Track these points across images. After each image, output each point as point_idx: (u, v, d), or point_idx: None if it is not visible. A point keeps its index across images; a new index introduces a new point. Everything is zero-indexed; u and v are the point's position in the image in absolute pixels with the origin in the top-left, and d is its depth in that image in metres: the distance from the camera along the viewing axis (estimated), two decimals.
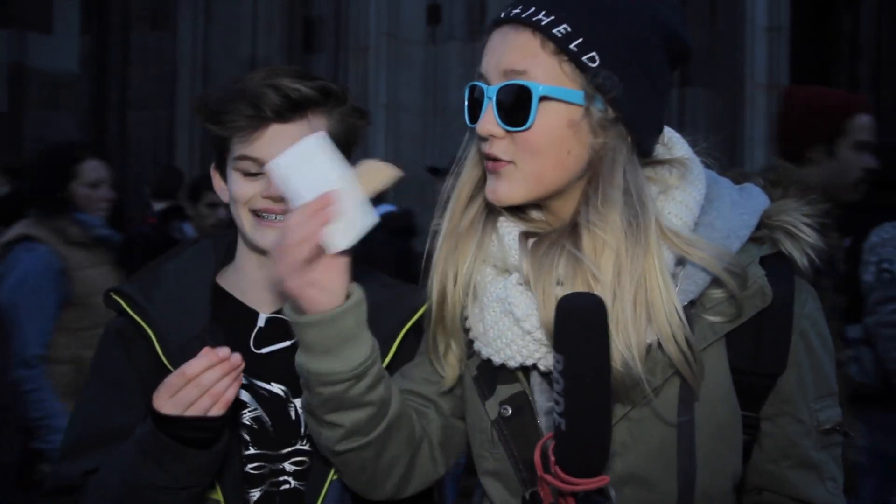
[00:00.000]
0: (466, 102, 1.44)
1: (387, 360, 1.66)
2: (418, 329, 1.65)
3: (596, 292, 1.27)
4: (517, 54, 1.35)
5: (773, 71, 10.16)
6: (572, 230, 1.37)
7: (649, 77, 1.37)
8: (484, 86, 1.38)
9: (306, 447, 1.69)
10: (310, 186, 1.34)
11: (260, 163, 1.64)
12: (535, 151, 1.36)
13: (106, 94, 10.45)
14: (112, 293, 1.72)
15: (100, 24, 10.44)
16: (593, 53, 1.32)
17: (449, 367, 1.52)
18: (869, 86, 14.80)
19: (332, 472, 1.63)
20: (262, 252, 1.69)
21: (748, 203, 1.44)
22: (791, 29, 10.37)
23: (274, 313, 1.74)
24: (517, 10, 1.36)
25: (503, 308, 1.40)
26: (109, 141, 10.42)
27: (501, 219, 1.47)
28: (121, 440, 1.58)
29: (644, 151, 1.40)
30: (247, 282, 1.77)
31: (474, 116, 1.41)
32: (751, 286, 1.36)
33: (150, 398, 1.55)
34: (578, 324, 1.14)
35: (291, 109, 1.64)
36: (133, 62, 10.46)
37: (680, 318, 1.31)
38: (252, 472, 1.67)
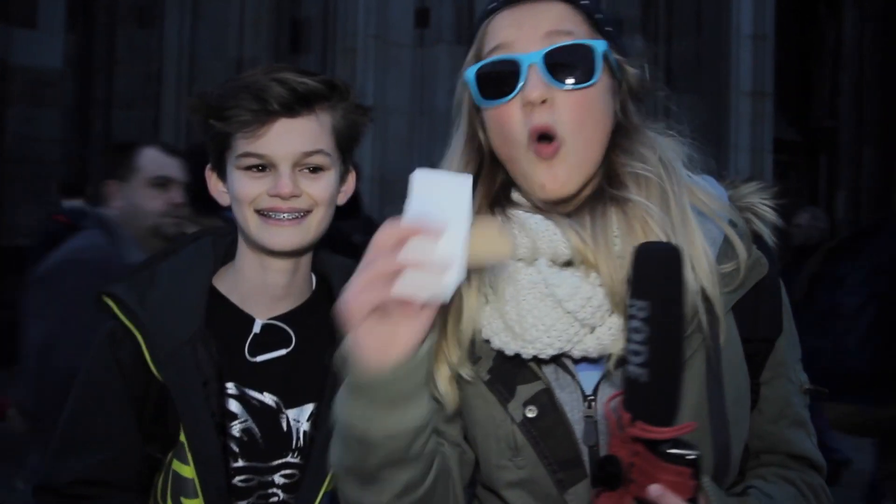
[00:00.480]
0: (477, 85, 1.37)
1: None
2: None
3: (656, 231, 1.31)
4: (559, 18, 1.36)
5: (757, 79, 10.25)
6: (613, 183, 1.38)
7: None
8: (518, 56, 1.33)
9: (297, 460, 1.64)
10: (428, 210, 1.11)
11: (266, 159, 1.57)
12: (590, 111, 1.35)
13: (91, 91, 10.36)
14: (104, 296, 1.64)
15: (85, 21, 10.35)
16: (610, 27, 1.40)
17: (448, 386, 1.42)
18: (850, 95, 14.86)
19: (324, 485, 1.60)
20: (264, 253, 1.63)
21: (716, 189, 1.48)
22: (775, 38, 10.42)
23: (270, 319, 1.68)
24: None
25: (541, 293, 1.35)
26: (94, 139, 10.32)
27: (515, 211, 1.43)
28: (103, 450, 1.58)
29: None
30: (246, 286, 1.69)
31: (498, 91, 1.35)
32: (752, 256, 1.40)
33: (136, 404, 1.60)
34: (662, 267, 1.13)
35: (298, 102, 1.57)
36: (119, 60, 10.38)
37: (715, 272, 1.34)
38: (240, 484, 1.61)
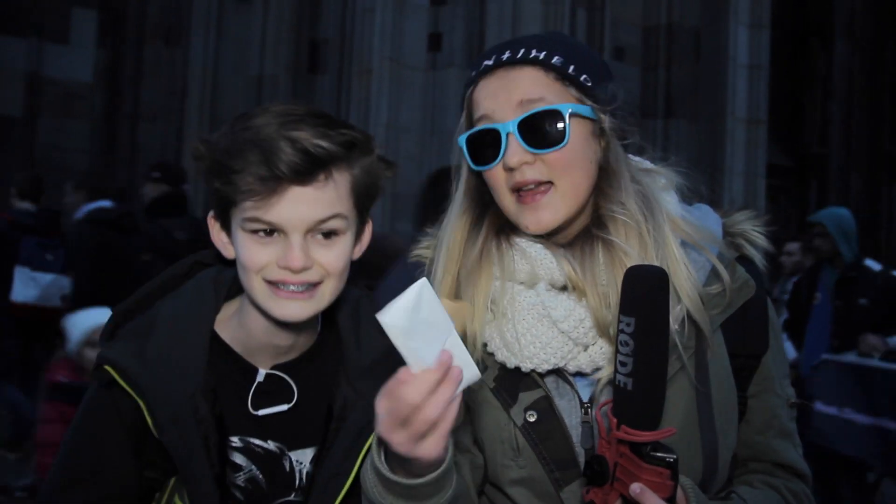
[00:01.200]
0: (468, 150, 1.48)
1: None
2: None
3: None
4: (529, 86, 1.43)
5: (752, 106, 10.26)
6: (597, 219, 1.47)
7: (615, 86, 1.51)
8: (497, 126, 1.43)
9: (299, 499, 1.59)
10: (426, 345, 1.13)
11: (276, 227, 1.40)
12: (569, 166, 1.43)
13: (118, 104, 10.41)
14: (105, 365, 1.49)
15: (115, 37, 10.43)
16: (585, 75, 1.46)
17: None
18: (840, 123, 14.93)
19: None
20: (272, 319, 1.49)
21: (710, 216, 1.57)
22: (770, 67, 10.47)
23: (272, 369, 1.57)
24: (508, 55, 1.45)
25: (538, 314, 1.44)
26: (120, 150, 10.37)
27: (518, 239, 1.51)
28: (100, 487, 1.49)
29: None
30: (252, 343, 1.56)
31: (486, 157, 1.46)
32: (738, 280, 1.48)
33: (135, 445, 1.49)
34: (647, 286, 1.20)
35: (312, 169, 1.37)
36: (145, 75, 10.42)
37: (699, 293, 1.42)
38: None
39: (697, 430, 1.43)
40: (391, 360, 1.41)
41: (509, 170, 1.44)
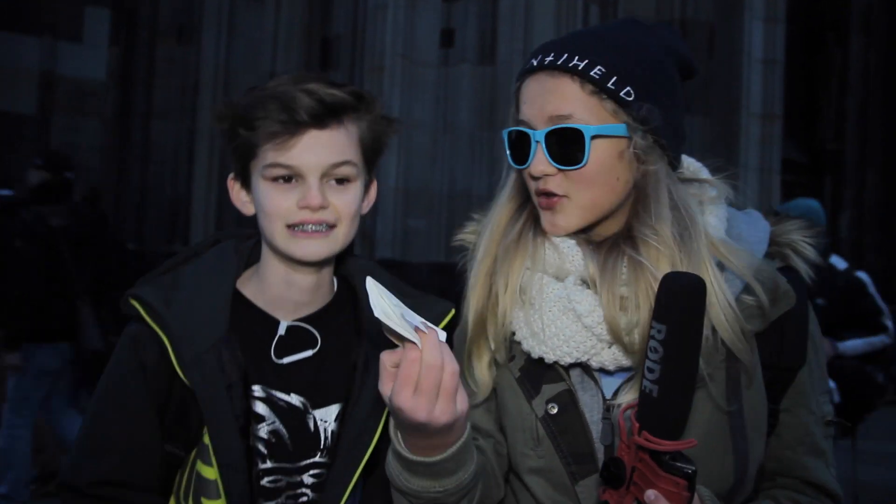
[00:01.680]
0: (508, 146, 1.49)
1: None
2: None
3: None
4: (560, 100, 1.41)
5: (767, 101, 10.21)
6: (629, 237, 1.43)
7: (672, 98, 1.44)
8: (530, 131, 1.44)
9: (325, 459, 1.61)
10: (407, 321, 1.21)
11: (294, 170, 1.52)
12: (589, 184, 1.42)
13: (131, 102, 10.44)
14: (131, 298, 1.59)
15: (128, 36, 10.45)
16: (628, 88, 1.39)
17: (483, 377, 1.53)
18: (855, 119, 14.81)
19: (351, 482, 1.57)
20: (290, 262, 1.58)
21: (758, 224, 1.53)
22: (785, 62, 10.39)
23: (295, 321, 1.64)
24: (551, 59, 1.42)
25: (563, 307, 1.43)
26: (132, 148, 10.40)
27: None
28: (123, 452, 1.55)
29: (677, 164, 1.48)
30: (270, 292, 1.64)
31: (520, 158, 1.47)
32: (778, 290, 1.44)
33: (158, 406, 1.56)
34: (684, 295, 1.17)
35: (327, 114, 1.51)
36: (158, 73, 10.44)
37: (734, 310, 1.38)
38: (268, 485, 1.58)
39: (730, 438, 1.41)
40: None
41: (534, 177, 1.45)
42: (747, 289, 1.42)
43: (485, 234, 1.55)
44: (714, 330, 1.37)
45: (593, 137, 1.39)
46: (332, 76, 1.72)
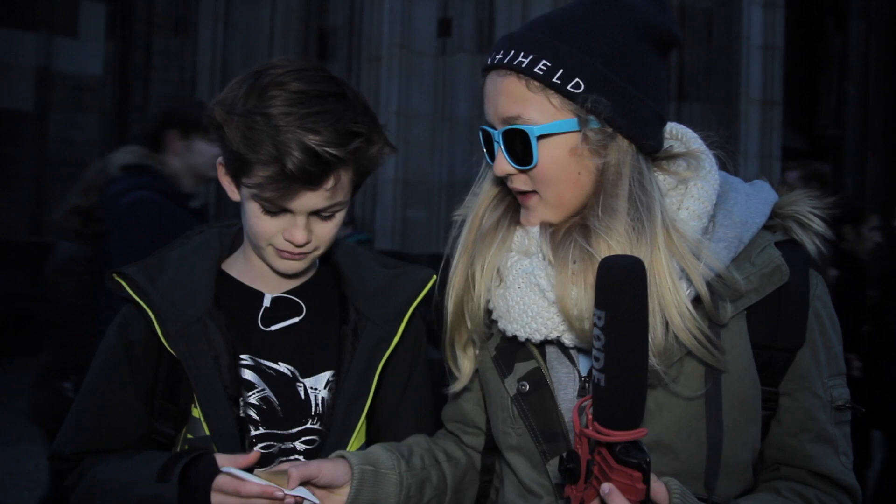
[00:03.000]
0: (483, 142, 1.48)
1: (395, 340, 1.66)
2: (426, 302, 1.68)
3: None
4: (507, 100, 1.38)
5: (766, 87, 10.16)
6: (583, 226, 1.38)
7: (634, 82, 1.36)
8: (491, 130, 1.43)
9: (317, 426, 1.63)
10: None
11: (284, 209, 1.52)
12: (548, 182, 1.40)
13: (128, 97, 10.41)
14: (115, 275, 1.63)
15: (124, 30, 10.43)
16: (576, 80, 1.34)
17: (466, 360, 1.55)
18: (855, 105, 14.76)
19: (347, 448, 1.59)
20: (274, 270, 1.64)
21: (760, 195, 1.46)
22: (784, 48, 10.33)
23: (280, 293, 1.67)
24: (499, 57, 1.39)
25: (529, 281, 1.42)
26: (130, 142, 10.33)
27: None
28: (107, 426, 1.61)
29: (652, 148, 1.40)
30: (256, 272, 1.67)
31: (490, 156, 1.47)
32: (768, 265, 1.38)
33: (144, 384, 1.61)
34: (620, 279, 1.12)
35: (321, 173, 1.47)
36: (155, 67, 10.41)
37: (690, 311, 1.31)
38: (261, 451, 1.58)
39: (702, 424, 1.35)
40: (394, 287, 1.69)
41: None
42: (721, 275, 1.35)
43: (464, 228, 1.55)
44: (694, 306, 1.32)
45: (539, 137, 1.36)
46: (329, 68, 1.67)
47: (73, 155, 9.79)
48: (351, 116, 1.50)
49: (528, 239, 1.47)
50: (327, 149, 1.44)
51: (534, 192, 1.42)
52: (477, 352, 1.55)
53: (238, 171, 1.53)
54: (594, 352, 1.14)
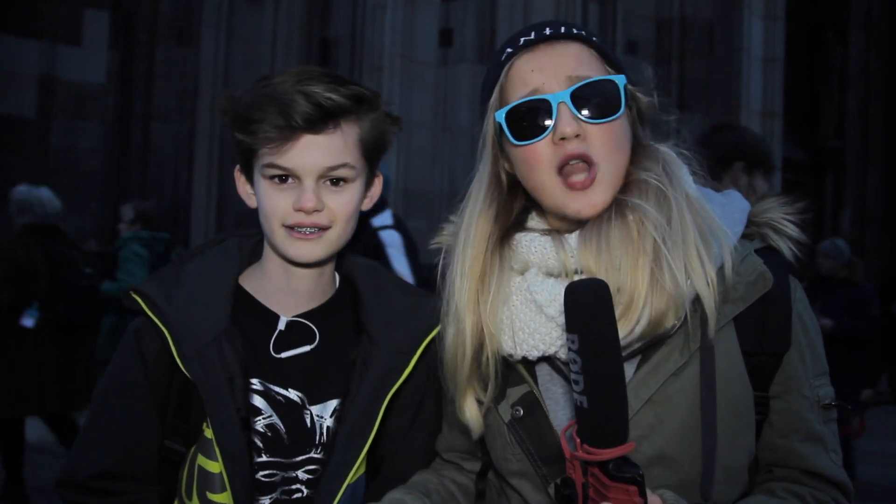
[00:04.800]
0: (508, 126, 1.42)
1: (406, 372, 1.62)
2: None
3: (641, 257, 1.34)
4: (577, 61, 1.41)
5: (767, 99, 10.19)
6: (617, 208, 1.40)
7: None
8: (548, 96, 1.39)
9: (320, 455, 1.61)
10: None
11: (290, 172, 1.54)
12: (617, 139, 1.41)
13: (131, 105, 10.42)
14: (132, 292, 1.62)
15: (127, 38, 10.44)
16: (613, 58, 1.46)
17: (472, 409, 1.49)
18: (856, 116, 14.77)
19: (346, 480, 1.57)
20: (290, 261, 1.61)
21: (735, 205, 1.49)
22: (785, 60, 10.36)
23: (295, 317, 1.65)
24: (551, 31, 1.43)
25: (525, 298, 1.41)
26: (132, 150, 10.38)
27: (520, 234, 1.48)
28: (121, 444, 1.58)
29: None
30: (271, 287, 1.66)
31: (532, 132, 1.40)
32: (752, 273, 1.39)
33: (158, 399, 1.58)
34: (587, 302, 1.14)
35: (323, 119, 1.52)
36: (157, 76, 10.43)
37: (713, 277, 1.35)
38: (263, 479, 1.57)
39: (699, 430, 1.36)
40: (413, 316, 1.65)
41: (560, 140, 1.38)
42: (721, 270, 1.38)
43: (467, 241, 1.49)
44: (688, 315, 1.34)
45: (624, 88, 1.41)
46: None
47: (76, 163, 9.81)
48: (351, 82, 1.60)
49: (519, 252, 1.46)
50: (326, 94, 1.51)
51: (593, 163, 1.38)
52: (483, 399, 1.49)
53: (247, 151, 1.57)
54: (572, 375, 1.15)
